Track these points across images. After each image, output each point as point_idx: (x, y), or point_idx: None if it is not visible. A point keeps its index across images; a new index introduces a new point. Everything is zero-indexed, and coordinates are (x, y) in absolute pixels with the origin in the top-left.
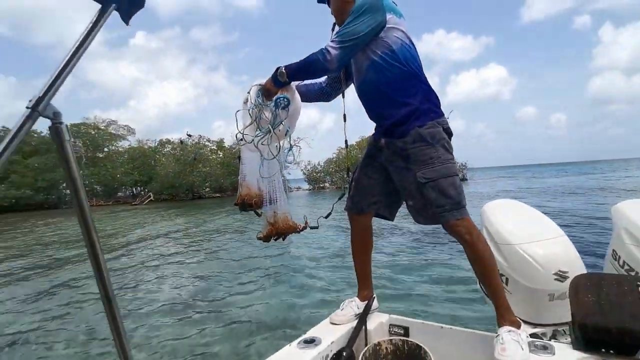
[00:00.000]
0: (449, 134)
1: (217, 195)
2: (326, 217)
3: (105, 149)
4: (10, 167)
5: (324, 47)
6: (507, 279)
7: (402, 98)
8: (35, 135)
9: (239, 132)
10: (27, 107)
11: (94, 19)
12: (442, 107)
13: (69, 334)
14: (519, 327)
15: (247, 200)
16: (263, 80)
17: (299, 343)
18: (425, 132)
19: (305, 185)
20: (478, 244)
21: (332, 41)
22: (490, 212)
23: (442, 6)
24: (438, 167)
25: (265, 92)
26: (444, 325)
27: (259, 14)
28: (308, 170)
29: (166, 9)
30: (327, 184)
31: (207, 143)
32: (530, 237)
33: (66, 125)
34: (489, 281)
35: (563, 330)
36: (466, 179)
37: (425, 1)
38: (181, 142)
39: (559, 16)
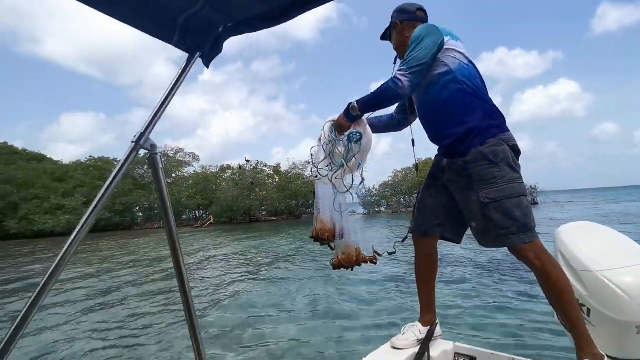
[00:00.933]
0: (516, 151)
1: (273, 218)
2: (402, 241)
3: (173, 175)
4: (94, 191)
5: (393, 76)
6: (588, 309)
7: (461, 116)
8: (115, 162)
9: (314, 166)
10: (132, 142)
11: (183, 66)
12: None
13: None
14: None
15: (320, 235)
16: (335, 116)
17: None
18: (488, 150)
19: (360, 210)
20: (551, 270)
21: (399, 70)
22: (565, 236)
23: (500, 23)
24: (503, 187)
25: (338, 127)
26: (515, 357)
27: (314, 44)
28: (363, 194)
29: (230, 47)
30: (382, 208)
31: (264, 168)
32: (614, 263)
33: (160, 156)
34: (566, 310)
35: None
36: (537, 203)
37: (481, 22)
38: (240, 167)
39: (634, 26)
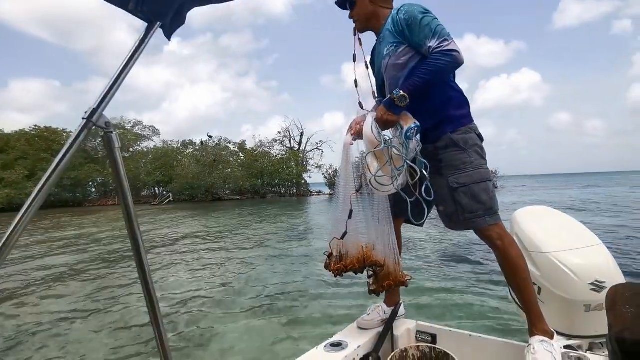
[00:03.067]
0: (481, 139)
1: (237, 197)
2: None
3: (131, 150)
4: (39, 164)
5: (438, 50)
6: (540, 288)
7: (436, 105)
8: (65, 134)
9: (373, 177)
10: (83, 118)
11: (142, 36)
12: (472, 113)
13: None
14: (552, 337)
15: (369, 263)
16: (362, 118)
17: (325, 346)
18: (458, 137)
19: (327, 190)
20: (510, 251)
21: (440, 42)
22: (521, 219)
23: (471, 11)
24: (470, 172)
25: (384, 124)
26: (472, 334)
27: (288, 20)
28: (329, 174)
29: (199, 17)
30: None
31: (228, 145)
32: (564, 245)
33: (116, 134)
34: (521, 289)
35: (600, 343)
36: (496, 187)
37: (453, 6)
38: (202, 143)
39: (594, 22)
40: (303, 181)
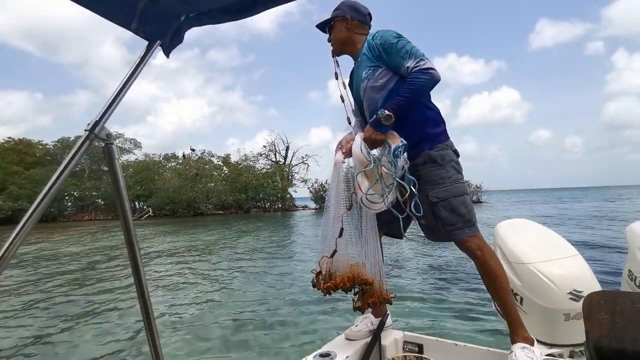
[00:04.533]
0: (457, 155)
1: (220, 212)
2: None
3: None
4: (10, 178)
5: (420, 69)
6: (521, 298)
7: (415, 125)
8: (40, 146)
9: (364, 195)
10: (85, 130)
11: (142, 54)
12: (454, 129)
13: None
14: (532, 344)
15: (358, 282)
16: (351, 136)
17: (314, 357)
18: (436, 154)
19: (312, 205)
20: (489, 261)
21: (417, 62)
22: (503, 232)
23: (454, 31)
24: (449, 187)
25: (372, 144)
26: (458, 343)
27: (274, 37)
28: (315, 188)
29: (188, 33)
30: None
31: (211, 158)
32: (544, 256)
33: (116, 146)
34: (501, 298)
35: (580, 351)
36: (481, 202)
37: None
38: (184, 156)
39: (568, 43)
40: (288, 195)
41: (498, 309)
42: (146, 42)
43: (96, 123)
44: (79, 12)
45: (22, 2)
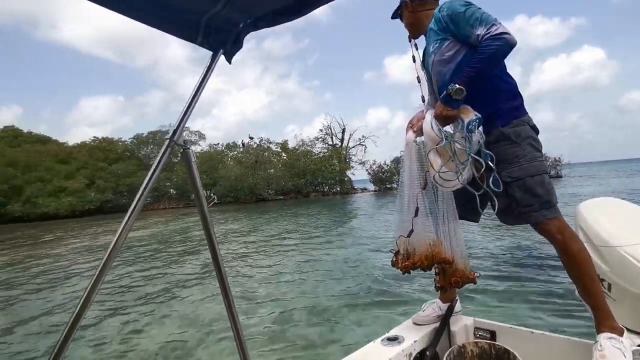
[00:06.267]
0: (536, 131)
1: (281, 197)
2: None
3: (179, 155)
4: (98, 173)
5: (488, 36)
6: (609, 284)
7: (487, 98)
8: (120, 143)
9: (437, 173)
10: (166, 138)
11: (208, 64)
12: (526, 99)
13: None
14: (621, 334)
15: (437, 260)
16: (422, 114)
17: (382, 340)
18: (510, 130)
19: (371, 187)
20: (572, 245)
21: (488, 28)
22: (586, 212)
23: None
24: (525, 165)
25: (443, 120)
26: (534, 331)
27: (327, 21)
28: (374, 170)
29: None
30: (394, 185)
31: (269, 145)
32: (635, 238)
33: (192, 150)
34: (586, 285)
35: None
36: (561, 176)
37: None
38: (243, 144)
39: None
40: (346, 178)
41: (581, 296)
42: (210, 53)
43: (175, 131)
44: None
45: (99, 14)
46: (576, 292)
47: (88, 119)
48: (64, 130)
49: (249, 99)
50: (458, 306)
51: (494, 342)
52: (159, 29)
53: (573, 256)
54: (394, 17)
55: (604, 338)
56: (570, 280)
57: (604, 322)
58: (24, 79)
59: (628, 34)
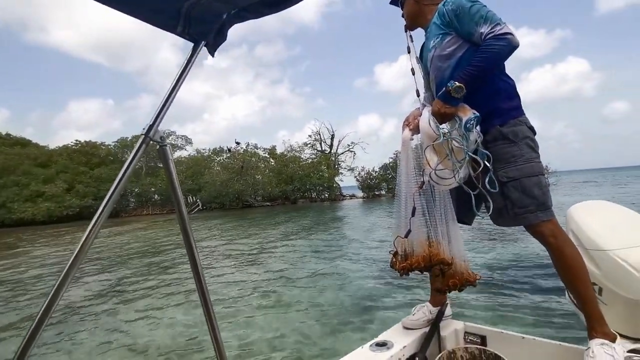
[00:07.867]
0: (533, 132)
1: (267, 204)
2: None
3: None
4: (78, 177)
5: (492, 36)
6: (600, 288)
7: (486, 96)
8: (104, 147)
9: (433, 171)
10: (141, 134)
11: (188, 56)
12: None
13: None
14: (613, 340)
15: (435, 262)
16: (418, 112)
17: (370, 346)
18: (507, 130)
19: (360, 193)
20: (565, 248)
21: (492, 27)
22: (577, 214)
23: (507, 1)
24: (521, 166)
25: (441, 117)
26: (525, 336)
27: (318, 28)
28: (362, 177)
29: (235, 31)
30: (382, 192)
31: (257, 150)
32: (627, 241)
33: (169, 147)
34: (579, 289)
35: None
36: (549, 184)
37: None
38: (229, 150)
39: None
40: (335, 185)
41: (573, 300)
42: (192, 44)
43: (150, 127)
44: (138, 23)
45: (90, 18)
46: (568, 296)
47: (77, 123)
48: (52, 133)
49: (241, 104)
50: (448, 310)
51: (484, 347)
52: (135, 16)
53: (567, 260)
54: (393, 2)
55: (596, 344)
56: (563, 285)
57: (596, 327)
58: (12, 82)
59: (611, 46)
